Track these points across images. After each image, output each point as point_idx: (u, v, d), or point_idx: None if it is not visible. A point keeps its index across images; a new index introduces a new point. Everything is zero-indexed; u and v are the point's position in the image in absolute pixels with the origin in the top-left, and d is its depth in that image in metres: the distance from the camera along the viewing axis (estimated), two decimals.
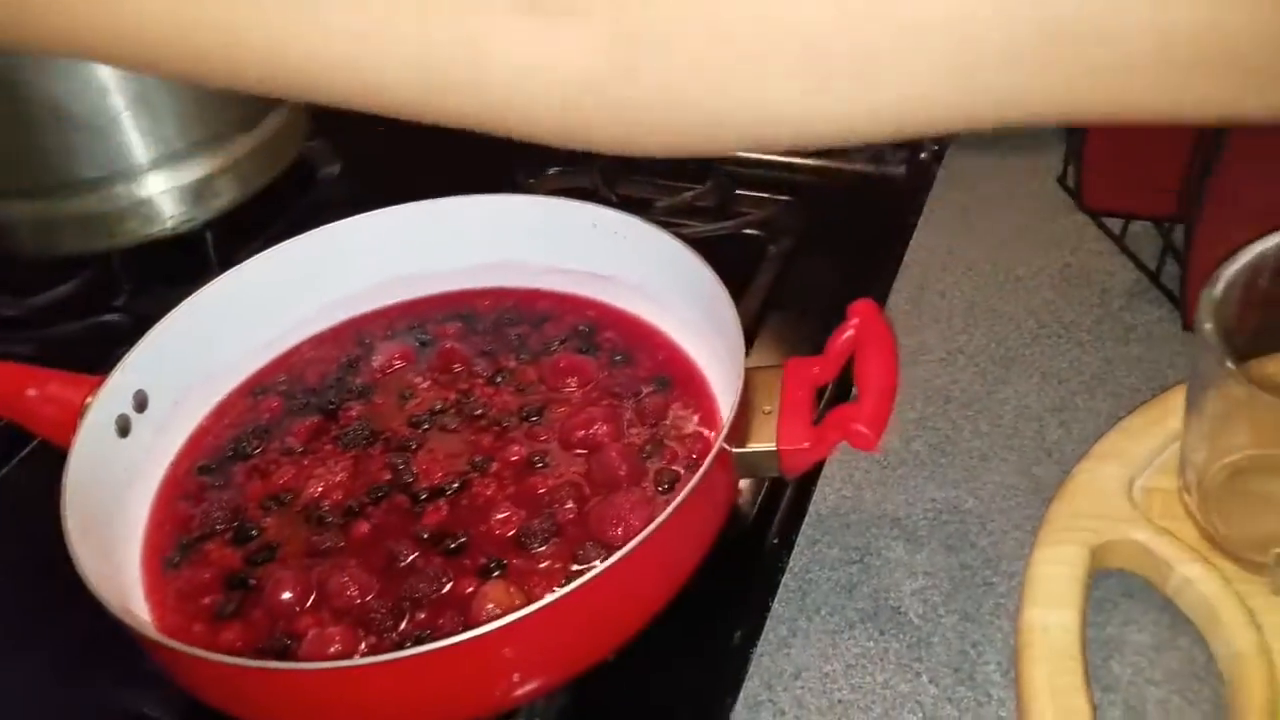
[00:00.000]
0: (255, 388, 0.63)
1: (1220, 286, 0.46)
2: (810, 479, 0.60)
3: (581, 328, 0.65)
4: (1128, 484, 0.52)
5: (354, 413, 0.60)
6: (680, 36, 0.29)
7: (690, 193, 0.83)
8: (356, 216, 0.66)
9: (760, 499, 0.59)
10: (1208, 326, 0.44)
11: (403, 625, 0.49)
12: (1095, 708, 0.44)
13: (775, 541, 0.57)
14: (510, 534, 0.52)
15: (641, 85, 0.30)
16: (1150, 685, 0.47)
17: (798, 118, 0.30)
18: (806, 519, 0.58)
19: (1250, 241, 0.48)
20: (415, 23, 0.30)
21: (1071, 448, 0.58)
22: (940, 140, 0.85)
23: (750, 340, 0.70)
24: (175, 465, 0.59)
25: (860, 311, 0.55)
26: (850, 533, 0.57)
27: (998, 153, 0.83)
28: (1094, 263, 0.72)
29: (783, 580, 0.55)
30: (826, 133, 0.31)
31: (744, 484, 0.59)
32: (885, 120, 0.30)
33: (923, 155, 0.85)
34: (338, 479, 0.56)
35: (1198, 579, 0.47)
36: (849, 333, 0.54)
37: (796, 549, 0.56)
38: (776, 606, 0.53)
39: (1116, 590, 0.51)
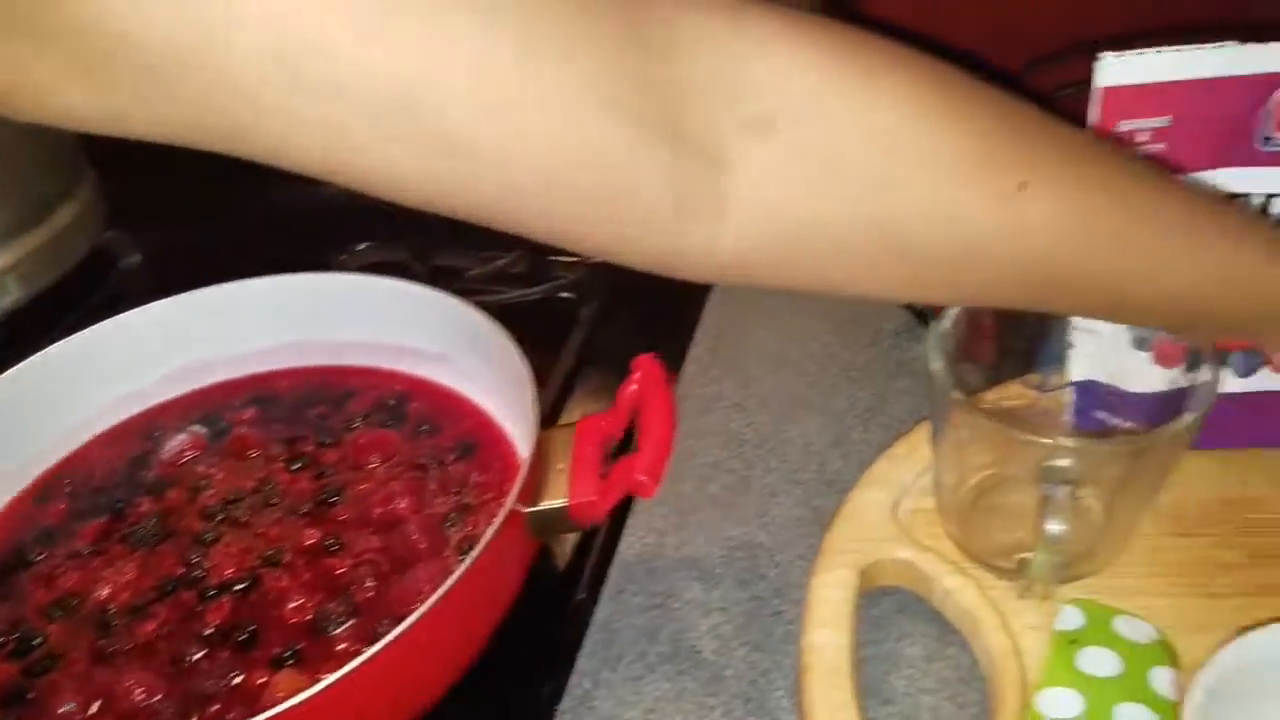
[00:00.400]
0: (39, 493, 0.61)
1: (947, 323, 0.50)
2: (616, 529, 0.62)
3: (388, 401, 0.65)
4: (892, 507, 0.56)
5: (143, 509, 0.59)
6: None
7: (502, 260, 0.85)
8: (145, 306, 0.66)
9: (571, 554, 0.61)
10: (936, 363, 0.48)
11: None
12: None
13: (584, 595, 0.59)
14: (306, 619, 0.52)
15: None
16: (924, 694, 0.51)
17: None
18: (613, 566, 0.60)
19: None
20: None
21: (850, 477, 0.62)
22: None
23: (564, 400, 0.72)
24: None
25: (642, 365, 0.57)
26: (653, 578, 0.59)
27: None
28: (869, 307, 0.77)
29: (589, 632, 0.56)
30: None
31: (560, 541, 0.60)
32: None
33: None
34: (126, 579, 0.54)
35: (956, 589, 0.51)
36: (633, 386, 0.57)
37: (602, 599, 0.58)
38: (581, 660, 0.55)
39: (892, 608, 0.55)
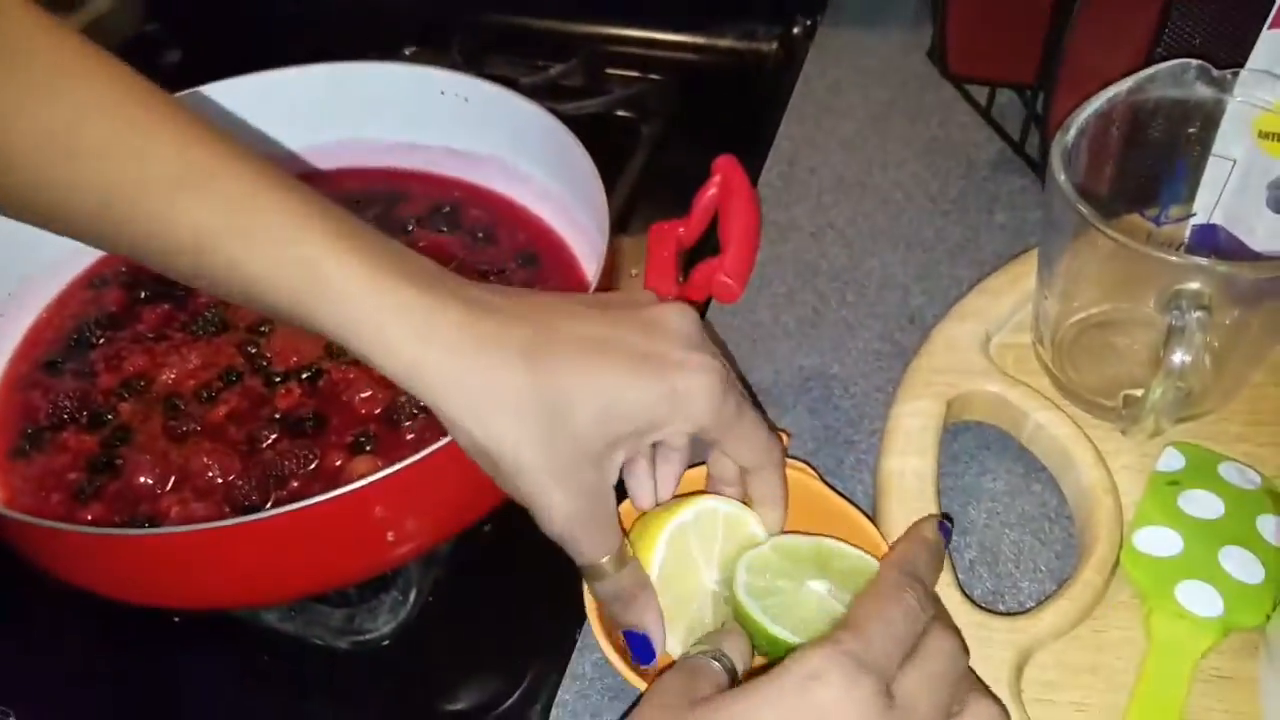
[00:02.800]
0: (95, 279, 0.59)
1: (1072, 133, 0.46)
2: None
3: (443, 207, 0.63)
4: (984, 341, 0.53)
5: (202, 299, 0.57)
6: None
7: (555, 69, 0.80)
8: (186, 91, 0.62)
9: None
10: (1060, 175, 0.45)
11: (269, 502, 0.48)
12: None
13: None
14: (376, 411, 0.51)
15: None
16: (1005, 528, 0.49)
17: None
18: None
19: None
20: None
21: (934, 312, 0.59)
22: (812, 15, 0.84)
23: (625, 224, 0.69)
24: (16, 356, 0.56)
25: (722, 167, 0.54)
26: None
27: (870, 28, 0.83)
28: (961, 135, 0.72)
29: None
30: None
31: None
32: None
33: (795, 31, 0.84)
34: (190, 365, 0.54)
35: (1050, 424, 0.49)
36: (712, 190, 0.54)
37: None
38: None
39: (974, 443, 0.52)
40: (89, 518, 0.48)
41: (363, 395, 0.52)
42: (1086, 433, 0.48)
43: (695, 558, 0.41)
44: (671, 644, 0.40)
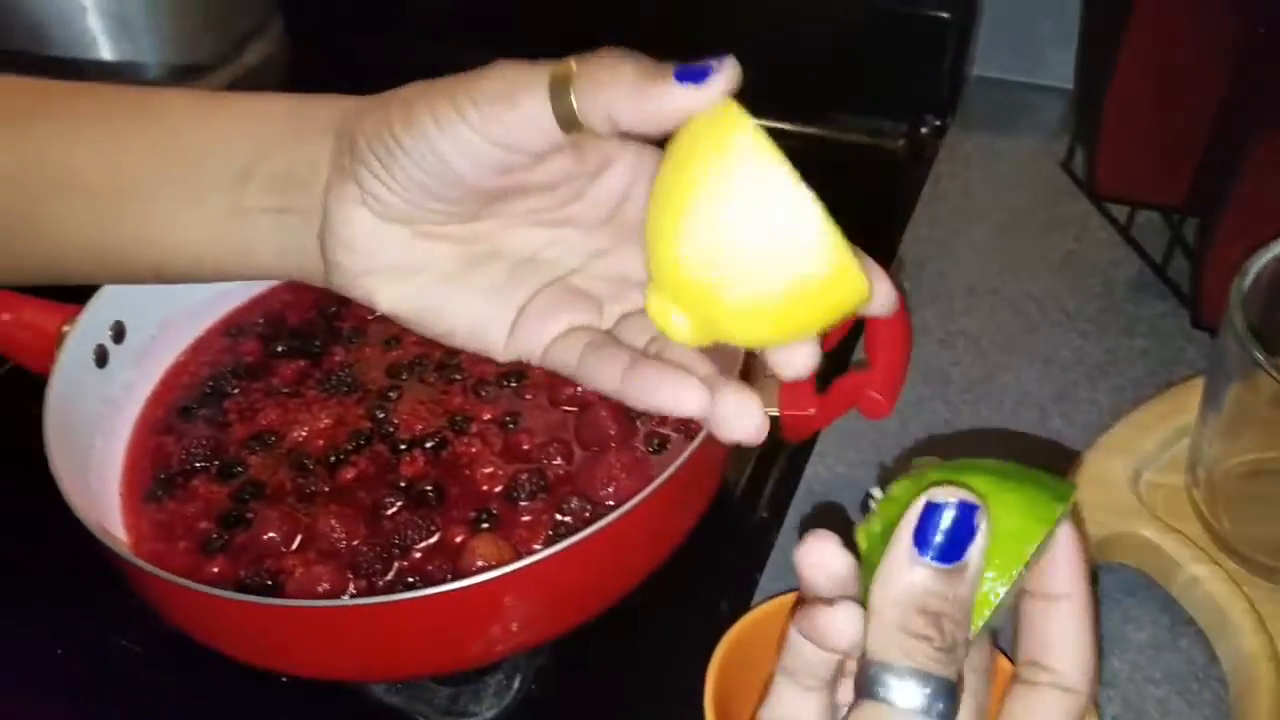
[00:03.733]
0: (231, 327, 0.60)
1: (1249, 279, 0.45)
2: (803, 455, 0.58)
3: None
4: (1134, 478, 0.51)
5: (338, 358, 0.58)
6: None
7: None
8: None
9: (751, 469, 0.58)
10: (1238, 318, 0.43)
11: (391, 572, 0.48)
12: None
13: (765, 515, 0.56)
14: (497, 488, 0.51)
15: None
16: (1150, 684, 0.47)
17: None
18: (797, 495, 0.57)
19: (1272, 240, 0.47)
20: None
21: (1074, 438, 0.57)
22: (942, 116, 0.83)
23: None
24: (153, 399, 0.57)
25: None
26: (843, 512, 0.56)
27: (1000, 134, 0.82)
28: (1098, 251, 0.71)
29: (770, 554, 0.54)
30: None
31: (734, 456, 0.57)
32: None
33: (923, 130, 0.83)
34: (321, 425, 0.54)
35: (1206, 578, 0.47)
36: None
37: (786, 524, 0.55)
38: (764, 580, 0.52)
39: (1116, 587, 0.50)
40: (214, 570, 0.48)
41: (485, 471, 0.52)
42: (1247, 591, 0.46)
43: None
44: None
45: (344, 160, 0.32)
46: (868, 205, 0.78)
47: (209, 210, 0.34)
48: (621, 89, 0.29)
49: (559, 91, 0.29)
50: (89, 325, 0.53)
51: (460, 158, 0.30)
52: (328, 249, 0.34)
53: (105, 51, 0.71)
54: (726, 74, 0.28)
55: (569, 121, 0.29)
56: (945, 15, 0.79)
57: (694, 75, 0.28)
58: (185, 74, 0.75)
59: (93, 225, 0.35)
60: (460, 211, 0.33)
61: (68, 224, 0.35)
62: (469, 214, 0.33)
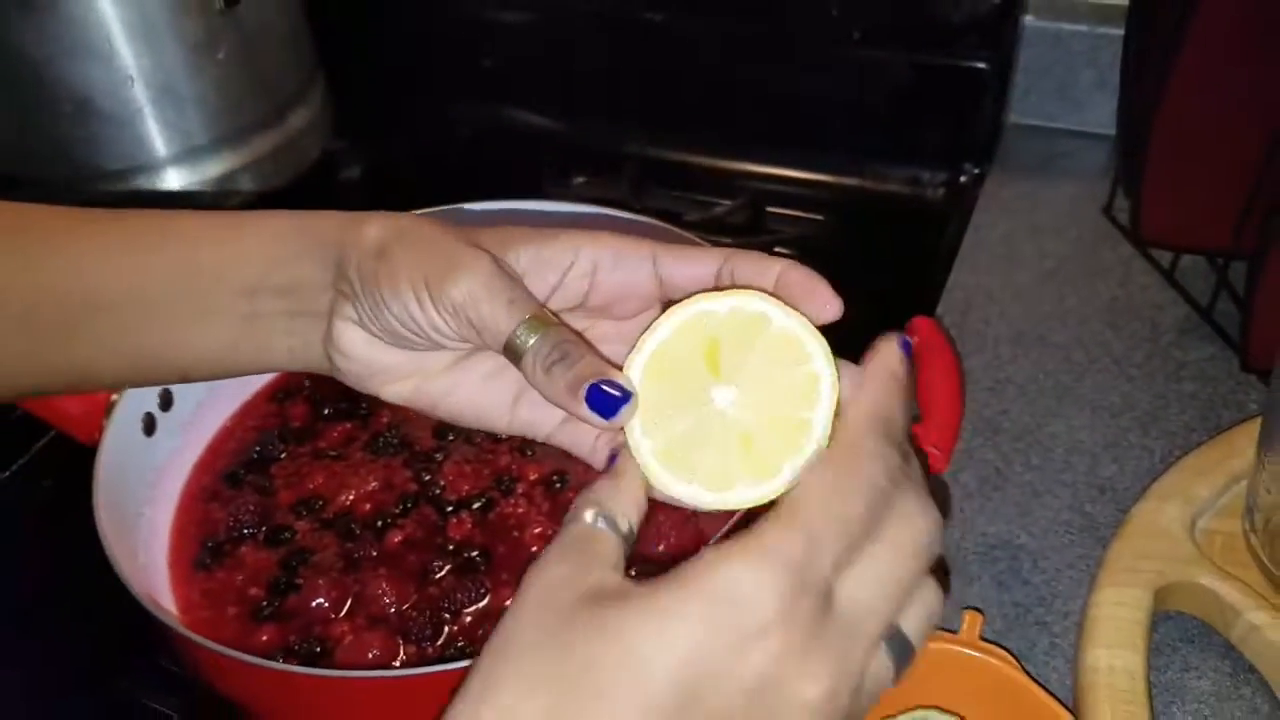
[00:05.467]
0: (278, 392, 0.61)
1: None
2: None
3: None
4: (1189, 525, 0.50)
5: (384, 419, 0.58)
6: None
7: (720, 208, 0.81)
8: None
9: None
10: None
11: (441, 636, 0.47)
12: None
13: None
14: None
15: None
16: None
17: None
18: None
19: None
20: None
21: (1126, 485, 0.56)
22: (980, 164, 0.83)
23: None
24: (199, 466, 0.57)
25: (919, 328, 0.53)
26: None
27: (1040, 181, 0.82)
28: (1143, 296, 0.70)
29: None
30: None
31: None
32: None
33: (962, 179, 0.83)
34: (369, 488, 0.54)
35: (1266, 626, 0.45)
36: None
37: None
38: None
39: (1175, 635, 0.49)
40: (263, 637, 0.48)
41: (534, 531, 0.52)
42: None
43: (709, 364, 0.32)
44: (645, 450, 0.33)
45: (343, 286, 0.36)
46: (909, 255, 0.78)
47: (225, 319, 0.38)
48: (556, 390, 0.33)
49: (513, 350, 0.33)
50: (137, 393, 0.54)
51: (435, 331, 0.35)
52: (330, 355, 0.37)
53: (150, 119, 0.73)
54: (628, 409, 0.32)
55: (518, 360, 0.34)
56: (982, 66, 0.79)
57: (603, 407, 0.32)
58: (229, 140, 0.77)
59: (120, 337, 0.39)
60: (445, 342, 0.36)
61: (98, 336, 0.39)
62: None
